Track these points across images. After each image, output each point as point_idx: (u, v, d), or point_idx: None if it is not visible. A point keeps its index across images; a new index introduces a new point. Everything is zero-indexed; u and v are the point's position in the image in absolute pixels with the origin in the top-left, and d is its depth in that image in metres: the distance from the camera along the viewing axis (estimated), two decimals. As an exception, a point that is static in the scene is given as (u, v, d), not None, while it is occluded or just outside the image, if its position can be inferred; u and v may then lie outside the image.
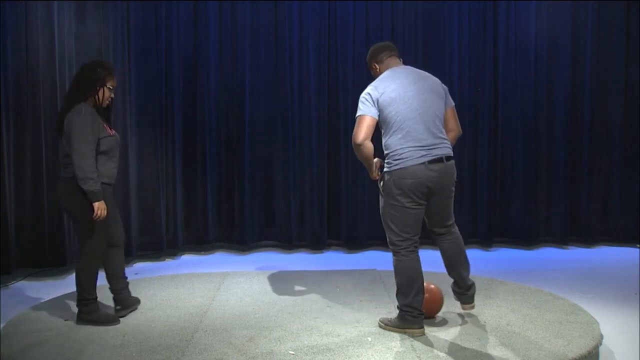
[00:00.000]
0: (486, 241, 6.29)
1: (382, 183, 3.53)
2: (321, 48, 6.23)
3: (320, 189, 6.27)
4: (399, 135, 3.43)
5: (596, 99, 6.43)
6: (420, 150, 3.41)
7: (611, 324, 3.83)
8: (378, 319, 3.72)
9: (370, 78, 6.17)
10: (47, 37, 5.19)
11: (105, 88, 3.65)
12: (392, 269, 3.55)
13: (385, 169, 3.51)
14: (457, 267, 3.70)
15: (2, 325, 3.70)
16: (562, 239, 6.39)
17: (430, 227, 3.69)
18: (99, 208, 3.50)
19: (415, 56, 6.19)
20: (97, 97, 3.63)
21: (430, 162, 3.40)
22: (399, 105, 3.44)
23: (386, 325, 3.60)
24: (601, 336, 3.47)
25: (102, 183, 3.59)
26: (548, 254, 6.12)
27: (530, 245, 6.32)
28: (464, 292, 3.71)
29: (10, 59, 5.08)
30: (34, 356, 3.20)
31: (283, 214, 6.27)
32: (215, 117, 6.20)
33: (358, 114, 3.49)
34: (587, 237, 6.43)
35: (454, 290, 3.78)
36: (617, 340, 3.60)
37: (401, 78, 3.54)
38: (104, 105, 3.70)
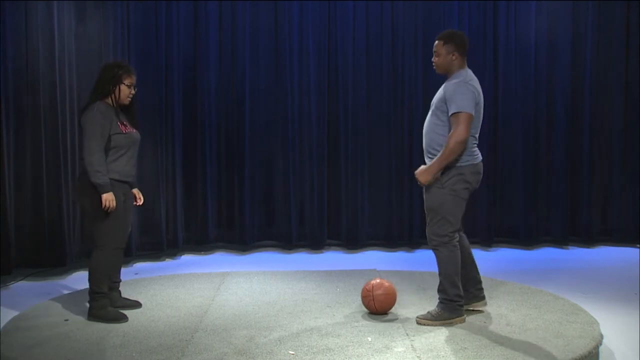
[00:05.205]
0: (486, 241, 6.28)
1: (442, 175, 3.60)
2: (321, 48, 6.22)
3: (320, 188, 6.27)
4: (474, 134, 3.61)
5: (596, 99, 6.43)
6: (477, 148, 3.67)
7: (611, 324, 3.83)
8: (416, 317, 3.72)
9: (372, 78, 6.28)
10: (47, 37, 5.18)
11: (122, 85, 3.77)
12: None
13: (456, 164, 3.59)
14: (472, 264, 3.85)
15: (2, 325, 3.70)
16: (562, 239, 6.38)
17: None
18: (107, 199, 3.62)
19: (415, 56, 6.16)
20: (113, 95, 3.76)
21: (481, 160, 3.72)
22: (480, 109, 3.62)
23: (432, 321, 3.63)
24: (601, 336, 3.47)
25: (112, 179, 3.69)
26: (548, 254, 6.12)
27: (530, 245, 6.32)
28: (481, 287, 3.86)
29: (10, 59, 5.07)
30: (34, 356, 3.20)
31: (283, 214, 6.27)
32: (215, 117, 6.19)
33: (464, 110, 3.47)
34: (587, 237, 6.43)
35: (469, 291, 3.82)
36: (617, 340, 3.60)
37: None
38: (125, 102, 3.82)
